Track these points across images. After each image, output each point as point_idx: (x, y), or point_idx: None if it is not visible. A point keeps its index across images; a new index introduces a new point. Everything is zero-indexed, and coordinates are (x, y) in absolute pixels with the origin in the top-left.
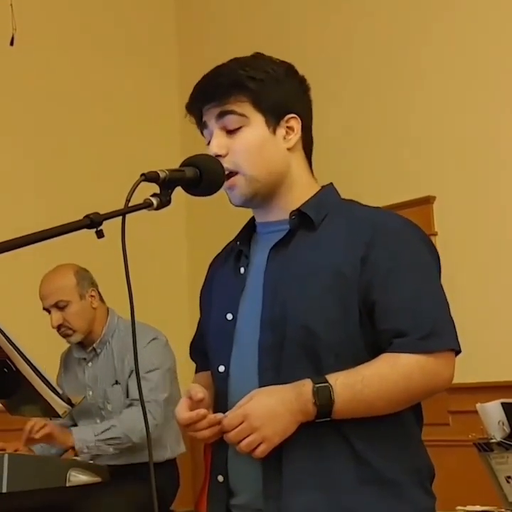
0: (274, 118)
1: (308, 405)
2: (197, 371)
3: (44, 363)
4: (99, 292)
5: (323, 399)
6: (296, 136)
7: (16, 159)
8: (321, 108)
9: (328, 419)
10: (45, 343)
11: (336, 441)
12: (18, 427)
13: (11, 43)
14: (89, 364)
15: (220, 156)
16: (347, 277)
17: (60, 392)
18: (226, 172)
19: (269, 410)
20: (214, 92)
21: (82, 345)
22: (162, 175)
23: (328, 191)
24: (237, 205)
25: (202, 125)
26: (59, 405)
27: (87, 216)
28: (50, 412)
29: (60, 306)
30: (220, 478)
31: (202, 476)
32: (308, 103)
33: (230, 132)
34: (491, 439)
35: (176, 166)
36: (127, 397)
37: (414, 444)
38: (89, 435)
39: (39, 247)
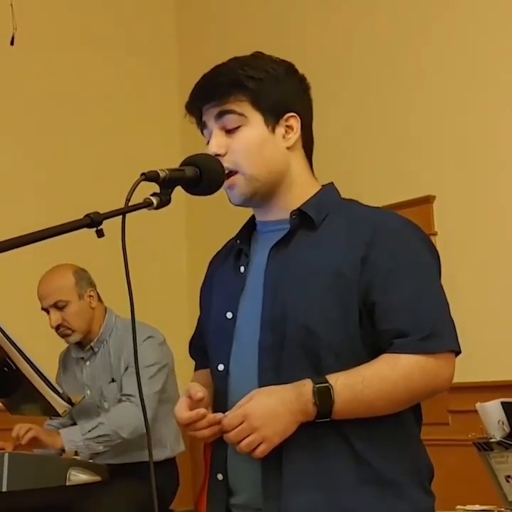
0: (273, 117)
1: (308, 405)
2: (196, 369)
3: (43, 362)
4: (97, 292)
5: (324, 399)
6: (295, 135)
7: (16, 159)
8: (321, 108)
9: (328, 419)
10: (44, 342)
11: (336, 441)
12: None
13: (12, 43)
14: (87, 363)
15: (219, 155)
16: (347, 277)
17: (60, 391)
18: (226, 171)
19: (270, 410)
20: (213, 91)
21: (80, 344)
22: (162, 174)
23: (328, 191)
24: (236, 205)
25: (202, 125)
26: (59, 404)
27: (87, 215)
28: (50, 411)
29: (59, 306)
30: (220, 476)
31: (202, 475)
32: (308, 102)
33: (229, 132)
34: (491, 438)
35: (176, 165)
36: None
37: (414, 443)
38: (77, 435)
39: (39, 247)
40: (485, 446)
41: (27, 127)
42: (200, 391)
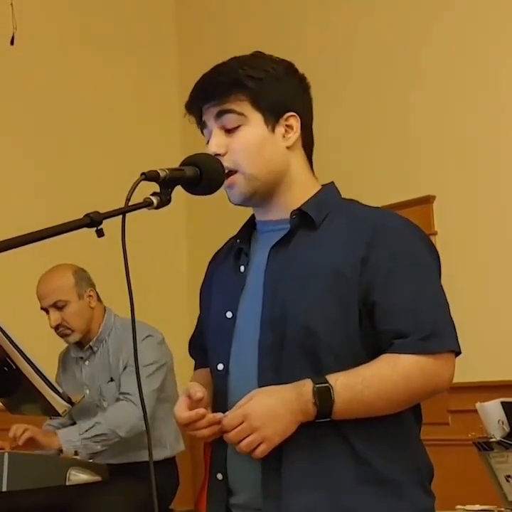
0: (273, 116)
1: (308, 405)
2: (196, 368)
3: (43, 362)
4: (96, 292)
5: (324, 399)
6: (295, 134)
7: (16, 159)
8: (321, 108)
9: (328, 419)
10: (44, 342)
11: (336, 441)
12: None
13: (12, 43)
14: (86, 363)
15: (219, 155)
16: (347, 278)
17: (61, 390)
18: (226, 171)
19: (270, 410)
20: (213, 91)
21: (79, 344)
22: (162, 174)
23: (328, 190)
24: (236, 204)
25: (202, 124)
26: (59, 404)
27: (87, 215)
28: (50, 411)
29: (59, 306)
30: (219, 476)
31: (202, 474)
32: (308, 101)
33: (229, 131)
34: (491, 438)
35: (176, 165)
36: None
37: (414, 443)
38: (74, 435)
39: (39, 246)
40: (485, 445)
41: (27, 127)
42: (199, 391)
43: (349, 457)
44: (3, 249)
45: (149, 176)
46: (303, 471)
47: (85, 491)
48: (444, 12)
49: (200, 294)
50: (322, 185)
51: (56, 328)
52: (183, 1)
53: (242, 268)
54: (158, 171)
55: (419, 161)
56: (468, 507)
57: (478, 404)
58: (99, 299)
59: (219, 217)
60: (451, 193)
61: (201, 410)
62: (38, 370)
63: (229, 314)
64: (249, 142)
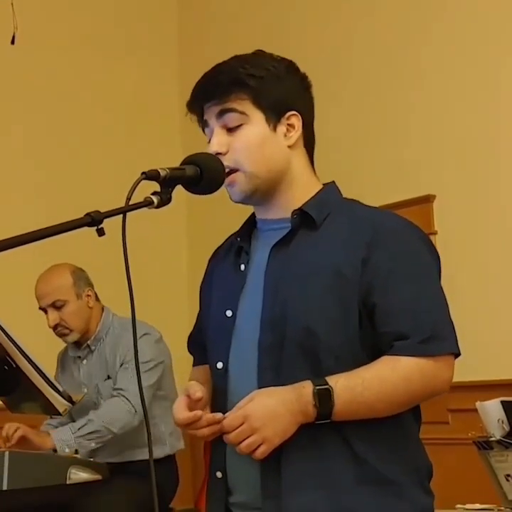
0: (274, 115)
1: (308, 407)
2: (194, 364)
3: (43, 362)
4: (95, 292)
5: (324, 401)
6: (296, 133)
7: (16, 159)
8: (321, 108)
9: (328, 420)
10: (44, 342)
11: (336, 442)
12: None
13: (12, 42)
14: (84, 362)
15: (220, 153)
16: (348, 278)
17: (61, 389)
18: (226, 170)
19: (270, 411)
20: (214, 90)
21: (77, 343)
22: (163, 173)
23: (330, 190)
24: (236, 202)
25: (203, 123)
26: (59, 403)
27: (88, 214)
28: (50, 410)
29: (57, 306)
30: (219, 474)
31: (202, 473)
32: (309, 100)
33: (231, 130)
34: (491, 437)
35: (176, 164)
36: None
37: (413, 443)
38: (67, 434)
39: (39, 246)
40: (485, 445)
41: (27, 127)
42: (198, 391)
43: (349, 458)
44: (4, 248)
45: (150, 175)
46: (303, 471)
47: (86, 489)
48: (444, 12)
49: (200, 291)
50: (323, 185)
51: (54, 327)
52: (185, 1)
53: (242, 266)
54: (159, 170)
55: (419, 160)
56: (468, 506)
57: (478, 404)
58: (97, 299)
59: (219, 216)
60: (451, 193)
61: (199, 412)
62: (38, 369)
63: (229, 313)
64: (251, 141)
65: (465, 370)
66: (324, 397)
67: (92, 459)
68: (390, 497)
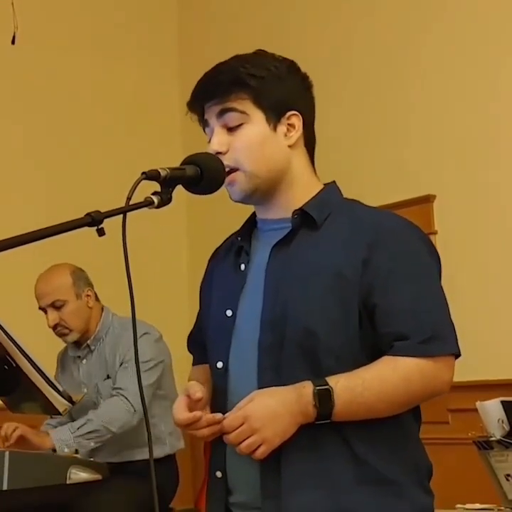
0: (274, 115)
1: (308, 407)
2: (194, 363)
3: (42, 362)
4: (94, 292)
5: (324, 401)
6: (297, 133)
7: (16, 159)
8: (321, 108)
9: (328, 421)
10: (43, 342)
11: (336, 442)
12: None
13: (13, 42)
14: (84, 361)
15: (220, 153)
16: (348, 279)
17: (61, 389)
18: (226, 169)
19: (270, 411)
20: (215, 89)
21: (77, 343)
22: (163, 173)
23: (330, 190)
24: (236, 201)
25: (204, 122)
26: (59, 403)
27: (88, 214)
28: (50, 410)
29: (57, 306)
30: (219, 474)
31: (202, 473)
32: (310, 100)
33: (231, 129)
34: (491, 437)
35: (177, 164)
36: None
37: (413, 443)
38: (66, 434)
39: (39, 246)
40: (485, 444)
41: (27, 127)
42: (198, 391)
43: (349, 458)
44: (4, 248)
45: (150, 175)
46: (302, 471)
47: (86, 489)
48: (444, 12)
49: (200, 291)
50: (324, 185)
51: (54, 327)
52: (185, 1)
53: (242, 266)
54: (159, 170)
55: (419, 160)
56: (468, 506)
57: (478, 403)
58: (97, 299)
59: (219, 216)
60: (451, 193)
61: (198, 413)
62: (39, 369)
63: (229, 312)
64: (251, 140)
65: (465, 370)
66: (324, 398)
67: (92, 459)
68: (390, 497)
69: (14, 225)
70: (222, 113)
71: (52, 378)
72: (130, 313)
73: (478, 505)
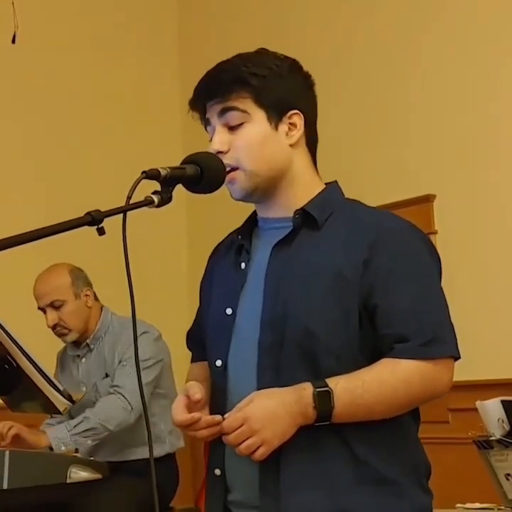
0: (276, 114)
1: (308, 409)
2: (193, 361)
3: (42, 361)
4: (93, 291)
5: (324, 403)
6: (298, 132)
7: (16, 159)
8: (321, 108)
9: (328, 422)
10: (42, 341)
11: (335, 443)
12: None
13: (13, 41)
14: (83, 360)
15: (221, 152)
16: (348, 280)
17: (61, 388)
18: (227, 168)
19: (270, 412)
20: (216, 88)
21: (76, 342)
22: (163, 172)
23: (332, 190)
24: (237, 199)
25: (205, 121)
26: (60, 402)
27: (88, 213)
28: (50, 409)
29: (56, 306)
30: (217, 471)
31: (202, 472)
32: (312, 99)
33: (232, 128)
34: (491, 436)
35: (177, 164)
36: None
37: (412, 443)
38: (63, 432)
39: (39, 245)
40: (485, 444)
41: (27, 127)
42: (198, 392)
43: (348, 459)
44: (4, 247)
45: (150, 175)
46: (301, 473)
47: (86, 488)
48: (444, 12)
49: (201, 288)
50: (326, 184)
51: (53, 327)
52: (185, 1)
53: (243, 265)
54: (159, 170)
55: (419, 160)
56: (468, 505)
57: (478, 403)
58: (96, 298)
59: (219, 215)
60: (451, 192)
61: (197, 415)
62: (39, 368)
63: (229, 311)
64: (252, 140)
65: (465, 369)
66: (324, 399)
67: (92, 458)
68: (390, 497)
69: (14, 225)
70: (223, 112)
71: (52, 377)
72: (130, 313)
73: (478, 505)
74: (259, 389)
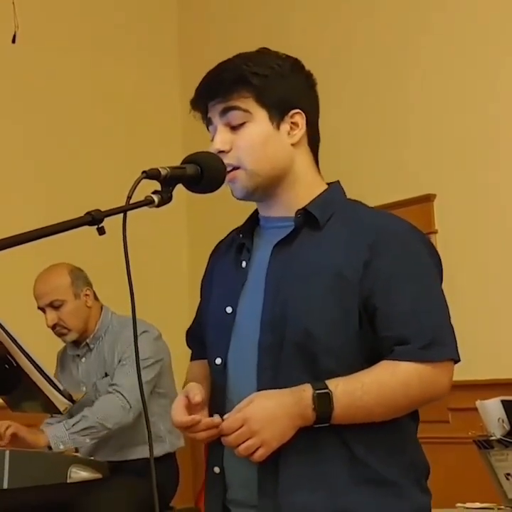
0: (277, 113)
1: (307, 410)
2: (192, 358)
3: (42, 361)
4: (93, 291)
5: (323, 405)
6: (300, 131)
7: (16, 159)
8: (321, 108)
9: (327, 424)
10: (42, 341)
11: (334, 445)
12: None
13: (13, 41)
14: (83, 360)
15: (223, 151)
16: (348, 280)
17: (61, 388)
18: (229, 168)
19: (269, 413)
20: (218, 88)
21: (76, 342)
22: (163, 172)
23: (334, 190)
24: (239, 198)
25: (207, 121)
26: (60, 401)
27: (88, 213)
28: (51, 408)
29: (55, 306)
30: (217, 469)
31: (202, 472)
32: (314, 98)
33: (234, 128)
34: (491, 436)
35: (177, 163)
36: None
37: (411, 444)
38: (61, 430)
39: (39, 245)
40: (485, 444)
41: (27, 127)
42: (198, 394)
43: (347, 460)
44: (3, 247)
45: (150, 174)
46: (300, 474)
47: (86, 488)
48: (444, 12)
49: (201, 286)
50: (328, 184)
51: (53, 327)
52: (185, 1)
53: (243, 263)
54: (159, 169)
55: (419, 159)
56: (469, 505)
57: (478, 403)
58: (96, 298)
59: (219, 215)
60: (451, 192)
61: (196, 417)
62: (39, 368)
63: (229, 309)
64: (254, 139)
65: (465, 369)
66: (324, 401)
67: (92, 458)
68: (390, 497)
69: (14, 225)
70: (225, 111)
71: (52, 377)
72: (130, 312)
73: (478, 505)
74: (258, 388)
